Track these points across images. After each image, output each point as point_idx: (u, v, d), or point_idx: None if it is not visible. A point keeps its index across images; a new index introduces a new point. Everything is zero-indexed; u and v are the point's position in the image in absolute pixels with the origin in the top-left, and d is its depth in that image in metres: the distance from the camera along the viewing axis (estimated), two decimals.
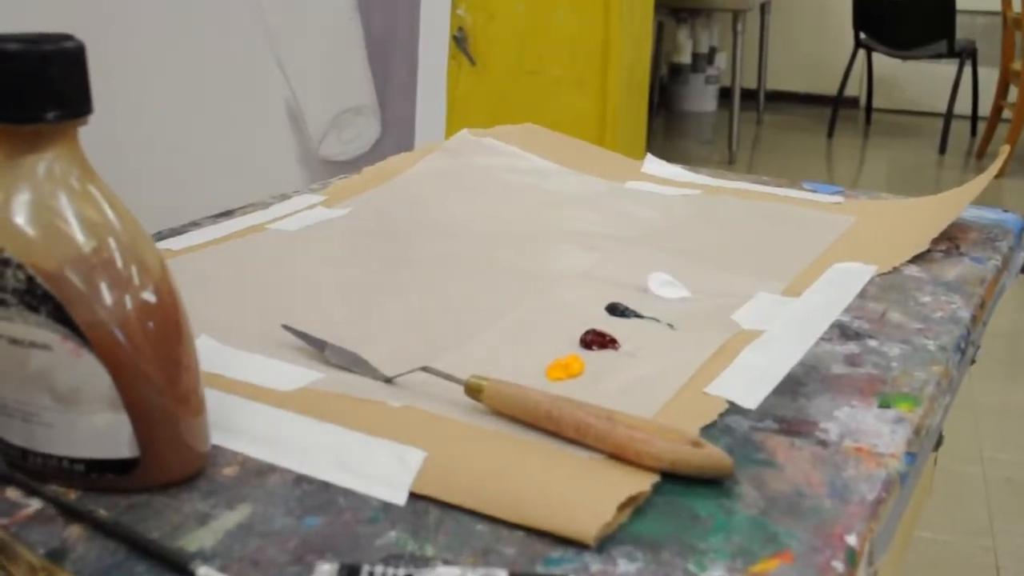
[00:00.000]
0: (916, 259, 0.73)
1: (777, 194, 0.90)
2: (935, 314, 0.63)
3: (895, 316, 0.63)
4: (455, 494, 0.42)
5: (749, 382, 0.52)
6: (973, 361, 0.68)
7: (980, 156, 4.98)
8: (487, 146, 0.98)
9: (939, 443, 0.73)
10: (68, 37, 0.41)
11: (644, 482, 0.42)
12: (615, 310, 0.62)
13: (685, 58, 5.71)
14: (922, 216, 0.81)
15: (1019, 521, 2.02)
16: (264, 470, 0.45)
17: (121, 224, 0.42)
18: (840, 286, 0.67)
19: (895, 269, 0.71)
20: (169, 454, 0.43)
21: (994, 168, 0.79)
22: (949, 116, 5.04)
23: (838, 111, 5.42)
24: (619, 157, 1.00)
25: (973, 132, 5.34)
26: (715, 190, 0.91)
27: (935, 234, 0.75)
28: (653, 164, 0.97)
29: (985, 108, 5.13)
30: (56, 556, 0.39)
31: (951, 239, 0.78)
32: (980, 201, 0.84)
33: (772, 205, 0.86)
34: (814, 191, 0.91)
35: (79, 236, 0.41)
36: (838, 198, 0.89)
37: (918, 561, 1.67)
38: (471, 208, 0.84)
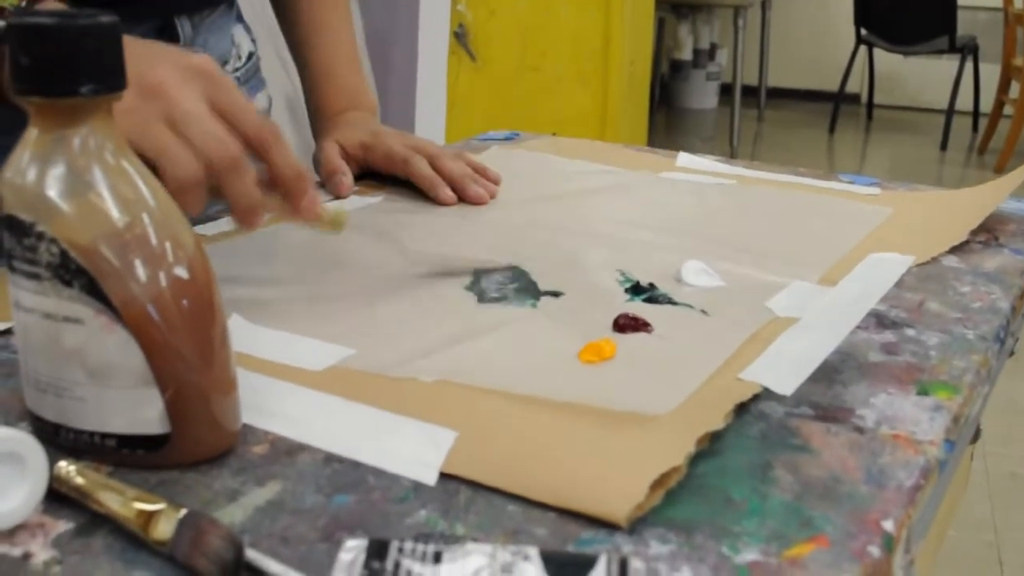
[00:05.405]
0: (954, 250, 0.72)
1: (813, 185, 0.89)
2: (974, 304, 0.62)
3: (933, 306, 0.62)
4: (486, 474, 0.42)
5: (784, 368, 0.52)
6: (1012, 353, 0.66)
7: (982, 152, 4.91)
8: (519, 155, 0.98)
9: (976, 437, 0.72)
10: (103, 12, 0.41)
11: (677, 456, 0.42)
12: (639, 290, 0.62)
13: (686, 54, 5.66)
14: (960, 207, 0.80)
15: (1022, 516, 1.99)
16: (294, 449, 0.45)
17: (155, 200, 0.42)
18: (877, 275, 0.66)
19: (933, 259, 0.70)
20: (200, 431, 0.43)
21: None
22: (950, 112, 4.98)
23: (839, 107, 5.36)
24: (652, 154, 1.00)
25: (975, 128, 5.27)
26: (751, 180, 0.90)
27: (974, 225, 0.74)
28: (687, 159, 0.97)
29: (987, 104, 5.07)
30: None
31: (990, 230, 0.77)
32: (1019, 193, 0.83)
33: (808, 196, 0.85)
34: (851, 182, 0.90)
35: (113, 211, 0.41)
36: (875, 190, 0.88)
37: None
38: (507, 197, 0.83)
